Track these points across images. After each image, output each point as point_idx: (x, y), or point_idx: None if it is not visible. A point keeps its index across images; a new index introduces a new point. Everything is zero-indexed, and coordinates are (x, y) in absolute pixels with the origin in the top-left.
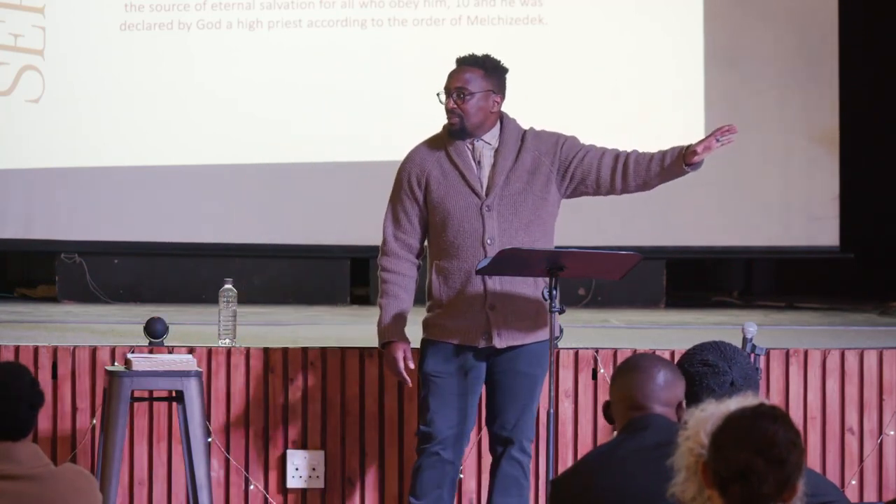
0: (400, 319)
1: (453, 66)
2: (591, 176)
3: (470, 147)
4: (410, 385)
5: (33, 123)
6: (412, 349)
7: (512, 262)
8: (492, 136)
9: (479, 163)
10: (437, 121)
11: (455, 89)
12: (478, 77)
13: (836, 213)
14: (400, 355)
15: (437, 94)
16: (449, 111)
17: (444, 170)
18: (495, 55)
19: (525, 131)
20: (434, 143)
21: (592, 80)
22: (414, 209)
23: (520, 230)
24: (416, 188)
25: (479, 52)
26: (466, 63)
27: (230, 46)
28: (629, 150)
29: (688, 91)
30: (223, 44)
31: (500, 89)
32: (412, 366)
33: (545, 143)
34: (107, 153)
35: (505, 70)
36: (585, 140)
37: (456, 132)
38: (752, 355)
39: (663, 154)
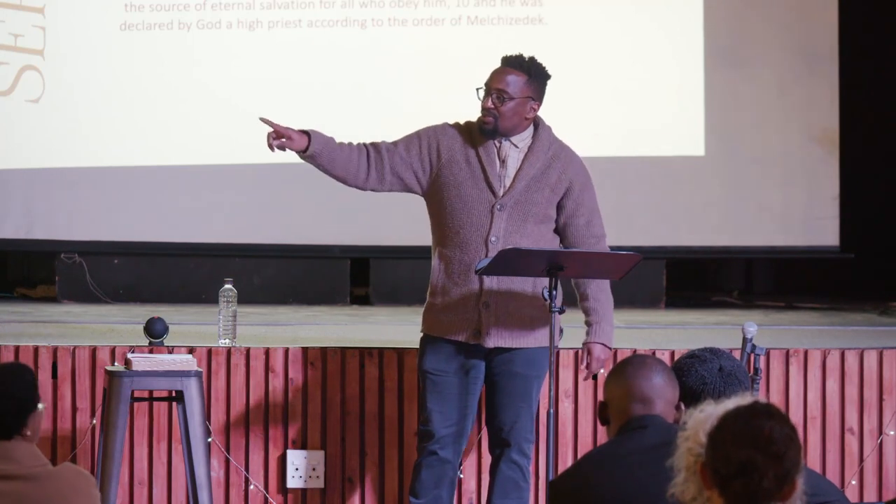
0: (323, 136)
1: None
2: (567, 238)
3: (497, 144)
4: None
5: (33, 123)
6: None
7: (512, 262)
8: (520, 139)
9: (503, 161)
10: (437, 120)
11: (495, 90)
12: (521, 81)
13: (836, 213)
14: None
15: (477, 90)
16: (485, 109)
17: (468, 158)
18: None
19: (563, 149)
20: (467, 130)
21: (592, 80)
22: (415, 159)
23: (525, 237)
24: (432, 153)
25: (527, 54)
26: (512, 65)
27: (230, 46)
28: (594, 286)
29: (688, 91)
30: (223, 44)
31: (539, 96)
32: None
33: (573, 172)
34: (107, 153)
35: (548, 76)
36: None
37: (488, 132)
38: (752, 355)
39: (588, 311)
